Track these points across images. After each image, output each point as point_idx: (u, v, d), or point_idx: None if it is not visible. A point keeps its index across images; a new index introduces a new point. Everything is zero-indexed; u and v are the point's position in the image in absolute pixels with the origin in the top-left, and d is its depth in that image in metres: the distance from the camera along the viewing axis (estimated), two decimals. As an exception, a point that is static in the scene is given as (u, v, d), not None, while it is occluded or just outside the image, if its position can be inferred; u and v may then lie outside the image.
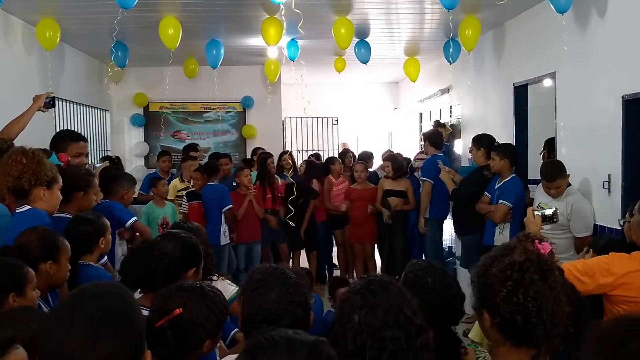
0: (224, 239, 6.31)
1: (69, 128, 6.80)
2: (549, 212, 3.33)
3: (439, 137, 6.83)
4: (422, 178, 6.57)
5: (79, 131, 7.30)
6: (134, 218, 4.12)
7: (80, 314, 1.21)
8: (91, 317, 1.20)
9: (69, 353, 1.15)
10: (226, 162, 7.06)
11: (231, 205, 6.32)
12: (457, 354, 2.14)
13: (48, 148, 3.80)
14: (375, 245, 7.28)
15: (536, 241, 2.10)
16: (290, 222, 7.00)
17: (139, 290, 2.40)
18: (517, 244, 1.91)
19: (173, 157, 8.25)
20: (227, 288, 2.98)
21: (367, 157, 8.03)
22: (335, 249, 7.81)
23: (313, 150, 10.56)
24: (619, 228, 3.84)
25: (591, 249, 3.40)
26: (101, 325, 1.19)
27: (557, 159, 5.06)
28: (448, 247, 7.75)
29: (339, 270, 7.77)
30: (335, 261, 7.93)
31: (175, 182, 6.94)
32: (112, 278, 3.09)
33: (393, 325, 1.58)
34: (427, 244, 6.69)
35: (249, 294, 1.88)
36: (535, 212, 3.27)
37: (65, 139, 3.99)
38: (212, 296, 1.92)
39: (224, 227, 6.30)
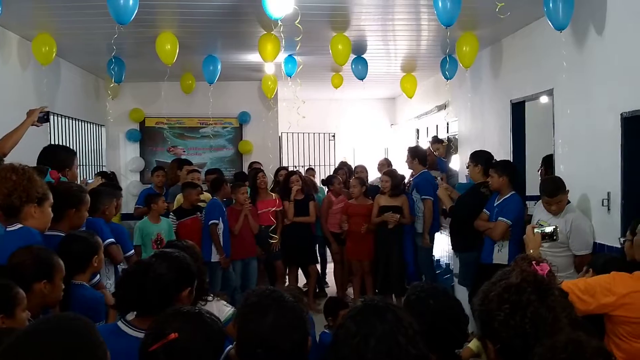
0: (215, 256, 6.25)
1: (63, 144, 6.76)
2: (549, 229, 3.30)
3: (425, 154, 7.12)
4: (423, 197, 6.66)
5: (74, 147, 7.30)
6: (110, 240, 4.05)
7: (35, 352, 1.18)
8: (46, 355, 1.17)
9: None
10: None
11: (215, 221, 6.28)
12: None
13: (46, 163, 3.79)
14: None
15: (533, 262, 2.06)
16: (274, 235, 6.97)
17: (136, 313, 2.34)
18: (515, 266, 1.87)
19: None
20: (223, 309, 2.92)
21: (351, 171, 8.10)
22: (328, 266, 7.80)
23: (310, 165, 10.53)
24: (619, 246, 3.80)
25: (591, 268, 3.37)
26: None
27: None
28: (446, 264, 7.71)
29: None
30: (329, 277, 7.90)
31: (180, 196, 6.89)
32: (103, 297, 3.03)
33: (385, 357, 1.49)
34: (421, 257, 6.89)
35: (244, 318, 1.81)
36: (535, 230, 3.23)
37: (70, 153, 4.06)
38: (210, 323, 1.84)
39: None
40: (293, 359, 1.77)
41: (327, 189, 7.78)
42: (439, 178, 6.45)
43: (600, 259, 3.56)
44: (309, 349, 1.83)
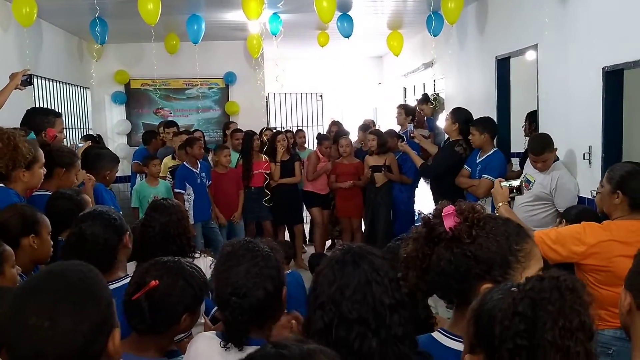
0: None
1: (48, 106, 6.71)
2: (516, 183, 3.39)
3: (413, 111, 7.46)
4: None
5: (59, 109, 7.24)
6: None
7: (40, 292, 1.22)
8: (50, 294, 1.21)
9: (29, 331, 1.16)
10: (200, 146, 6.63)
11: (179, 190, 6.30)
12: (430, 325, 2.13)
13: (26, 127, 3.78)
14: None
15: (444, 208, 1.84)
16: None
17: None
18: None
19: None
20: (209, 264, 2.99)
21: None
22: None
23: (297, 126, 10.50)
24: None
25: (564, 219, 3.45)
26: (60, 302, 1.20)
27: (540, 131, 5.07)
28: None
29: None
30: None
31: (167, 159, 6.90)
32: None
33: (361, 306, 1.49)
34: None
35: (219, 267, 1.88)
36: (502, 184, 3.32)
37: (50, 115, 4.02)
38: (190, 270, 1.92)
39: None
40: (268, 307, 1.82)
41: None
42: (399, 141, 6.58)
43: (573, 210, 3.65)
44: (284, 298, 1.89)
